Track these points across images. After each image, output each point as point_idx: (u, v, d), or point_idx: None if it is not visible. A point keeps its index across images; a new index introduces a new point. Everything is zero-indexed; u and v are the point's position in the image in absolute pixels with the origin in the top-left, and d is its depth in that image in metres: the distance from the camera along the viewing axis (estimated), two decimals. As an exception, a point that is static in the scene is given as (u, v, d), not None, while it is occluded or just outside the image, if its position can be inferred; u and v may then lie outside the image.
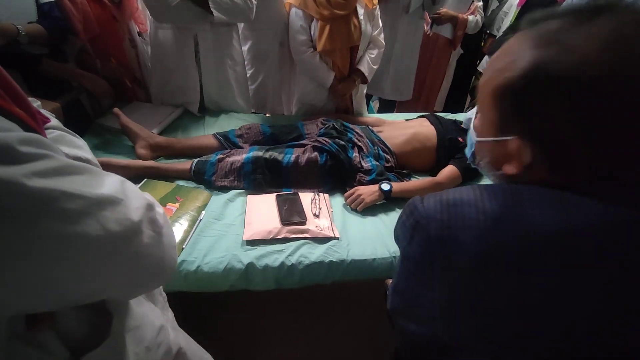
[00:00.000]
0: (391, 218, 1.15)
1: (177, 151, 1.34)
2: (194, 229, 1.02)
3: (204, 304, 1.08)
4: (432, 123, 1.44)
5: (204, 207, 1.10)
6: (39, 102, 0.49)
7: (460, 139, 1.36)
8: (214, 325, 1.13)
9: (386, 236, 1.07)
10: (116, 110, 1.31)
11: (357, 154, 1.28)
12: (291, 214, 1.08)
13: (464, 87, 2.53)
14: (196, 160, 1.24)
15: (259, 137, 1.39)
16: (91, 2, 1.30)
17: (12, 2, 1.11)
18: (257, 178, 1.19)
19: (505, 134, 0.38)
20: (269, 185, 1.20)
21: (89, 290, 0.33)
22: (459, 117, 1.65)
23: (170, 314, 0.59)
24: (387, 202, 1.20)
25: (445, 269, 0.35)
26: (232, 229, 1.04)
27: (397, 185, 1.20)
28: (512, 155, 0.37)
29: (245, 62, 1.70)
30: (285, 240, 1.01)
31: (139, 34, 1.59)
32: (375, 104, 2.61)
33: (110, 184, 0.34)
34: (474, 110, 0.47)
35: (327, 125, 1.40)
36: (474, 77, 2.54)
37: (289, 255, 0.97)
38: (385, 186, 1.17)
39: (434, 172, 1.32)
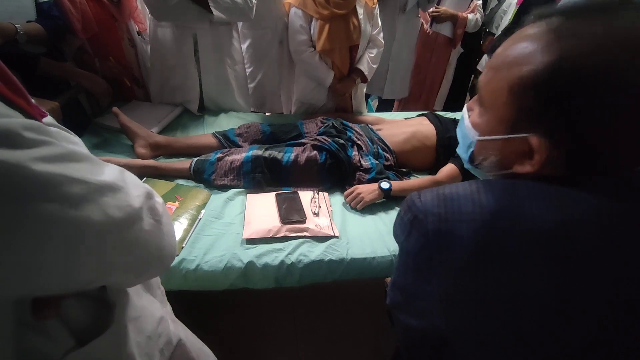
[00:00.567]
0: (391, 217, 1.15)
1: (177, 150, 1.34)
2: (193, 228, 1.02)
3: (204, 302, 1.08)
4: (431, 122, 1.44)
5: (203, 206, 1.10)
6: (32, 101, 0.49)
7: (459, 138, 1.36)
8: (213, 323, 1.13)
9: (386, 235, 1.07)
10: (115, 109, 1.31)
11: (356, 153, 1.28)
12: (291, 212, 1.08)
13: (464, 86, 2.53)
14: (195, 159, 1.24)
15: (258, 136, 1.39)
16: (90, 1, 1.30)
17: (10, 1, 1.10)
18: (257, 177, 1.19)
19: (520, 131, 0.36)
20: (269, 184, 1.20)
21: (90, 275, 0.33)
22: (459, 115, 1.65)
23: (168, 307, 0.60)
24: (387, 200, 1.20)
25: (443, 263, 0.35)
26: (232, 228, 1.04)
27: (397, 184, 1.20)
28: (525, 153, 0.36)
29: (244, 61, 1.70)
30: (285, 238, 1.02)
31: (138, 33, 1.58)
32: (374, 103, 2.61)
33: (111, 172, 0.35)
34: (463, 110, 0.46)
35: (326, 124, 1.40)
36: (473, 75, 2.54)
37: (289, 254, 0.97)
38: (385, 185, 1.17)
39: (433, 170, 1.32)
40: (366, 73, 1.58)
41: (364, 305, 1.26)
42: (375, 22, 1.58)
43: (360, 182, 1.23)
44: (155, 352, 0.46)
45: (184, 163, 1.24)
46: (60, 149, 0.30)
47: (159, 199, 0.41)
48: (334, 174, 1.24)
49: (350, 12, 1.45)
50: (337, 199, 1.22)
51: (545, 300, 0.32)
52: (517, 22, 2.06)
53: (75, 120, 1.37)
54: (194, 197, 1.11)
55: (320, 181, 1.24)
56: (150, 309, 0.48)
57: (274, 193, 1.16)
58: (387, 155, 1.34)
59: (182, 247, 0.95)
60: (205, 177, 1.20)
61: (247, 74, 1.73)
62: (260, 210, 1.10)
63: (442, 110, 2.13)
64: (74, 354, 0.37)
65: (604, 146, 0.33)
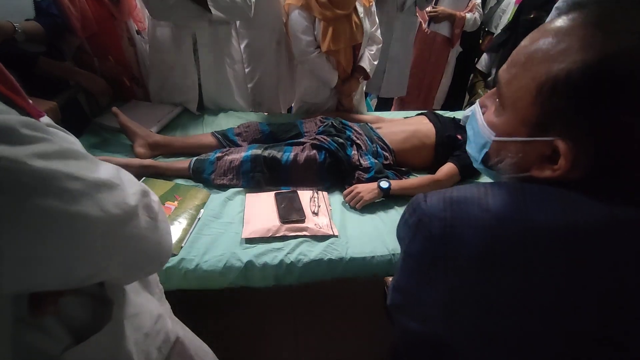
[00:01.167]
0: (390, 216, 1.15)
1: (176, 150, 1.34)
2: (192, 228, 1.02)
3: (203, 301, 1.08)
4: (430, 121, 1.44)
5: (202, 205, 1.10)
6: (30, 101, 0.49)
7: (458, 137, 1.36)
8: (212, 322, 1.13)
9: (385, 234, 1.07)
10: (114, 109, 1.30)
11: (355, 152, 1.28)
12: (290, 212, 1.08)
13: (463, 85, 2.53)
14: (195, 158, 1.23)
15: (257, 135, 1.39)
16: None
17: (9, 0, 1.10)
18: (256, 176, 1.19)
19: (546, 134, 0.34)
20: (268, 184, 1.20)
21: (87, 271, 0.33)
22: (458, 115, 1.65)
23: (167, 305, 0.60)
24: (386, 199, 1.20)
25: (447, 268, 0.34)
26: (231, 227, 1.04)
27: (396, 183, 1.20)
28: (546, 157, 0.34)
29: (243, 61, 1.69)
30: (284, 238, 1.02)
31: (138, 32, 1.58)
32: (373, 102, 2.61)
33: (107, 170, 0.35)
34: (474, 107, 0.44)
35: (325, 123, 1.40)
36: (472, 75, 2.54)
37: (288, 253, 0.97)
38: (384, 184, 1.17)
39: (432, 169, 1.32)
40: (368, 70, 1.58)
41: (363, 303, 1.26)
42: (373, 20, 1.58)
43: (360, 181, 1.23)
44: (153, 349, 0.46)
45: (183, 162, 1.24)
46: (57, 146, 0.30)
47: (154, 197, 0.42)
48: (333, 173, 1.24)
49: (352, 11, 1.45)
50: (337, 198, 1.22)
51: (550, 306, 0.31)
52: (516, 21, 2.07)
53: (74, 119, 1.37)
54: (193, 197, 1.11)
55: (320, 180, 1.24)
56: (148, 306, 0.48)
57: (273, 192, 1.16)
58: (387, 154, 1.34)
59: (182, 247, 0.95)
60: (205, 176, 1.20)
61: (246, 73, 1.73)
62: (260, 209, 1.10)
63: (441, 109, 2.14)
64: (71, 350, 0.37)
65: (633, 154, 0.31)
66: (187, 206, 1.07)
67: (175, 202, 1.08)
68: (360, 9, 1.48)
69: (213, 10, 1.32)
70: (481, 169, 0.45)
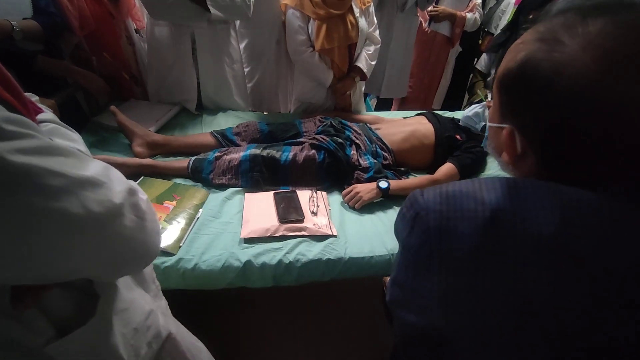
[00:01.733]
0: (389, 216, 1.15)
1: (175, 149, 1.34)
2: (191, 227, 1.02)
3: (202, 300, 1.08)
4: (430, 121, 1.44)
5: (201, 205, 1.10)
6: (36, 97, 0.49)
7: (457, 137, 1.36)
8: (211, 322, 1.13)
9: (384, 234, 1.07)
10: (113, 108, 1.30)
11: (354, 152, 1.28)
12: (289, 211, 1.08)
13: (462, 85, 2.53)
14: (193, 158, 1.23)
15: (256, 135, 1.39)
16: (87, -2, 1.29)
17: (6, -2, 1.09)
18: (255, 176, 1.19)
19: (502, 122, 0.39)
20: (267, 183, 1.20)
21: (68, 267, 0.33)
22: (457, 115, 1.65)
23: (163, 301, 0.60)
24: (385, 199, 1.20)
25: (443, 260, 0.35)
26: (230, 227, 1.04)
27: (395, 183, 1.20)
28: (506, 144, 0.39)
29: (242, 60, 1.69)
30: (283, 238, 1.01)
31: (136, 31, 1.57)
32: (373, 102, 2.61)
33: (94, 167, 0.35)
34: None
35: (325, 123, 1.40)
36: (472, 75, 2.54)
37: (287, 253, 0.97)
38: (383, 184, 1.17)
39: (431, 169, 1.32)
40: (365, 70, 1.58)
41: (362, 303, 1.26)
42: (370, 20, 1.58)
43: (359, 181, 1.23)
44: (143, 344, 0.46)
45: (182, 162, 1.24)
46: (41, 142, 0.30)
47: (143, 196, 0.42)
48: (333, 173, 1.24)
49: (347, 11, 1.45)
50: (336, 198, 1.22)
51: (544, 298, 0.32)
52: (516, 21, 2.07)
53: (73, 118, 1.35)
54: (191, 196, 1.11)
55: (319, 180, 1.24)
56: (140, 302, 0.48)
57: (272, 192, 1.16)
58: (386, 154, 1.34)
59: (180, 246, 0.95)
60: (203, 176, 1.20)
61: (245, 73, 1.73)
62: (258, 209, 1.09)
63: (441, 110, 2.14)
64: (54, 344, 0.37)
65: (566, 149, 0.34)
66: (185, 206, 1.07)
67: (174, 202, 1.08)
68: (356, 9, 1.49)
69: (212, 10, 1.32)
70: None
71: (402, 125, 1.46)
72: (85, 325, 0.39)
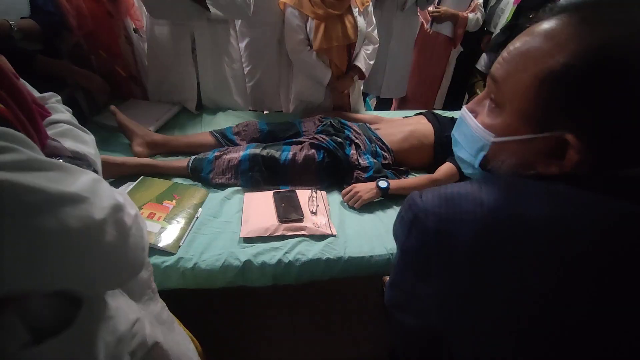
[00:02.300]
0: (388, 215, 1.15)
1: (174, 149, 1.34)
2: (190, 227, 1.01)
3: (201, 300, 1.08)
4: (429, 120, 1.44)
5: (201, 204, 1.10)
6: (58, 97, 0.49)
7: (457, 136, 1.36)
8: (210, 322, 1.13)
9: (383, 233, 1.07)
10: (113, 107, 1.30)
11: (354, 151, 1.28)
12: (288, 211, 1.08)
13: (463, 85, 2.53)
14: (193, 157, 1.23)
15: (256, 134, 1.38)
16: (86, -3, 1.29)
17: (4, -3, 1.09)
18: (255, 175, 1.19)
19: (551, 129, 0.34)
20: (266, 183, 1.20)
21: (41, 280, 0.33)
22: (457, 114, 1.65)
23: (157, 306, 0.59)
24: (385, 199, 1.20)
25: (442, 263, 0.35)
26: (229, 227, 1.04)
27: (395, 183, 1.20)
28: (552, 154, 0.34)
29: (243, 59, 1.69)
30: (283, 237, 1.01)
31: (135, 30, 1.57)
32: (372, 101, 2.61)
33: (81, 181, 0.35)
34: (462, 112, 0.44)
35: (324, 123, 1.40)
36: (471, 75, 2.54)
37: (286, 253, 0.97)
38: (383, 183, 1.17)
39: (431, 169, 1.32)
40: (364, 70, 1.58)
41: (362, 303, 1.26)
42: (369, 19, 1.58)
43: (358, 180, 1.23)
44: (125, 353, 0.45)
45: (182, 161, 1.23)
46: (22, 156, 0.30)
47: (131, 211, 0.42)
48: (332, 172, 1.24)
49: (346, 10, 1.45)
50: (335, 197, 1.22)
51: (543, 302, 0.31)
52: (516, 20, 2.07)
53: (72, 118, 1.36)
54: (191, 196, 1.11)
55: (318, 180, 1.24)
56: (125, 310, 0.47)
57: (272, 192, 1.16)
58: (385, 153, 1.34)
59: (180, 246, 0.95)
60: (203, 175, 1.20)
61: (246, 72, 1.73)
62: (258, 208, 1.09)
63: (442, 110, 2.13)
64: (29, 350, 0.36)
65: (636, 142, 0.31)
66: (185, 205, 1.07)
67: (174, 201, 1.08)
68: (355, 9, 1.49)
69: (212, 9, 1.32)
70: (476, 174, 0.45)
71: (402, 125, 1.46)
72: (62, 334, 0.38)
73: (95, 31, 1.34)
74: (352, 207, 1.16)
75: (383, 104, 2.45)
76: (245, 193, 1.17)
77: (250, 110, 1.79)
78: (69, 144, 0.43)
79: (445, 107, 2.35)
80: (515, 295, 0.32)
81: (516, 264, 0.32)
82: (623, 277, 0.30)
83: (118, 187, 1.11)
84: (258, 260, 0.95)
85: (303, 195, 1.15)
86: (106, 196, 0.38)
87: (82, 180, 0.35)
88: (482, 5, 2.21)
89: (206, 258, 0.93)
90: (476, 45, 2.44)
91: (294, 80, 1.71)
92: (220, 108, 1.63)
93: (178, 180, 1.19)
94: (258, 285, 0.98)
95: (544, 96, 0.33)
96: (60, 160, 0.38)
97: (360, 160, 1.26)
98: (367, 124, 1.48)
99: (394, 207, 1.18)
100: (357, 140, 1.33)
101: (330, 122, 1.39)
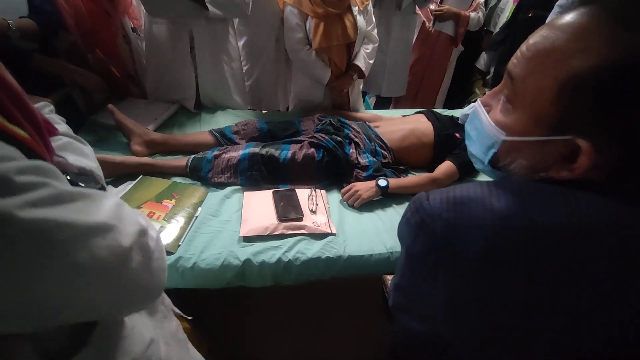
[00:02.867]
0: (388, 214, 1.15)
1: (173, 148, 1.33)
2: (190, 226, 1.01)
3: (201, 299, 1.07)
4: (429, 119, 1.44)
5: (200, 203, 1.10)
6: (52, 107, 0.49)
7: (457, 135, 1.36)
8: (210, 322, 1.13)
9: (383, 232, 1.07)
10: (111, 106, 1.29)
11: (354, 150, 1.28)
12: (288, 210, 1.08)
13: (464, 84, 2.53)
14: (192, 156, 1.23)
15: (255, 133, 1.38)
16: (84, -4, 1.28)
17: (2, -4, 1.09)
18: (254, 174, 1.19)
19: (566, 133, 0.32)
20: (266, 182, 1.20)
21: (70, 313, 0.33)
22: (457, 113, 1.65)
23: (172, 324, 0.58)
24: (384, 198, 1.20)
25: (450, 269, 0.34)
26: (229, 226, 1.04)
27: (394, 182, 1.20)
28: (565, 157, 0.33)
29: (241, 58, 1.68)
30: (282, 236, 1.01)
31: (133, 29, 1.56)
32: (372, 100, 2.61)
33: (106, 209, 0.35)
34: (475, 105, 0.42)
35: (324, 122, 1.39)
36: (471, 74, 2.54)
37: (286, 252, 0.97)
38: (382, 182, 1.17)
39: (430, 168, 1.32)
40: (363, 69, 1.58)
41: (361, 302, 1.26)
42: (369, 18, 1.58)
43: (358, 179, 1.23)
44: None
45: (181, 161, 1.23)
46: (52, 191, 0.30)
47: (153, 233, 0.41)
48: (332, 171, 1.24)
49: (345, 9, 1.45)
50: (335, 196, 1.22)
51: (553, 309, 0.31)
52: (515, 19, 2.07)
53: (70, 117, 1.34)
54: (190, 195, 1.11)
55: (318, 179, 1.23)
56: (140, 329, 0.46)
57: (271, 191, 1.16)
58: (385, 152, 1.34)
59: (179, 245, 0.95)
60: (202, 174, 1.20)
61: (244, 71, 1.72)
62: (258, 207, 1.09)
63: (442, 108, 2.13)
64: None
65: None
66: (184, 204, 1.07)
67: (173, 201, 1.07)
68: (355, 7, 1.48)
69: (210, 8, 1.32)
70: (486, 171, 0.43)
71: (401, 124, 1.46)
72: (76, 355, 0.37)
73: (93, 30, 1.33)
74: (352, 206, 1.16)
75: (382, 103, 2.45)
76: (245, 192, 1.16)
77: (249, 109, 1.78)
78: (72, 159, 0.42)
79: (445, 106, 2.35)
80: (524, 303, 0.31)
81: (526, 272, 0.31)
82: (637, 283, 0.30)
83: (117, 187, 1.10)
84: (258, 259, 0.94)
85: (302, 194, 1.15)
86: (131, 221, 0.37)
87: (106, 207, 0.35)
88: (483, 4, 2.21)
89: (206, 257, 0.93)
90: (476, 44, 2.44)
91: (294, 79, 1.70)
92: (219, 107, 1.62)
93: (177, 179, 1.19)
94: (258, 286, 0.98)
95: (563, 100, 0.32)
96: (82, 187, 0.38)
97: (360, 159, 1.26)
98: (367, 123, 1.48)
99: (394, 206, 1.18)
100: (356, 139, 1.32)
101: (330, 121, 1.39)
